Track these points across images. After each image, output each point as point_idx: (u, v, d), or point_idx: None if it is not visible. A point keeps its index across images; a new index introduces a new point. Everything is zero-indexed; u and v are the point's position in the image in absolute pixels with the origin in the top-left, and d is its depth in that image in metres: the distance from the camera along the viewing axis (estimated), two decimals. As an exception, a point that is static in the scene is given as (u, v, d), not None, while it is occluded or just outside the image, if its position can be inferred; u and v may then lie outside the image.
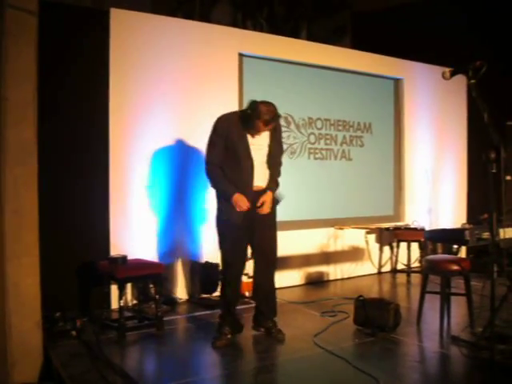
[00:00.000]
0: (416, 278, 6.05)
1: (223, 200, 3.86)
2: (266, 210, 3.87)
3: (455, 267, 4.12)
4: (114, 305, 4.58)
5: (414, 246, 6.43)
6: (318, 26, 8.52)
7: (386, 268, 6.74)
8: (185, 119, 5.23)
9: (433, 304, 4.37)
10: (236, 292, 4.01)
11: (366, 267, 6.57)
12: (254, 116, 3.70)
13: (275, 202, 3.98)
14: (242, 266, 4.06)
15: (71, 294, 4.51)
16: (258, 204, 3.85)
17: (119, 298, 3.99)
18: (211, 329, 4.08)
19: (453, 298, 4.36)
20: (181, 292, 5.18)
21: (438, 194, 7.23)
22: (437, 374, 3.45)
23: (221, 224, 3.92)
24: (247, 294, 5.07)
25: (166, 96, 5.13)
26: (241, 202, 3.75)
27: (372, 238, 6.65)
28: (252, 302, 5.02)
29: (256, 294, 4.11)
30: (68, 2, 4.83)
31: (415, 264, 6.47)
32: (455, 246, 6.12)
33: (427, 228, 6.29)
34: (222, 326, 3.93)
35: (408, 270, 6.37)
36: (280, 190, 4.03)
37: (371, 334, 3.99)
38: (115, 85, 4.82)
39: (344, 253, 6.36)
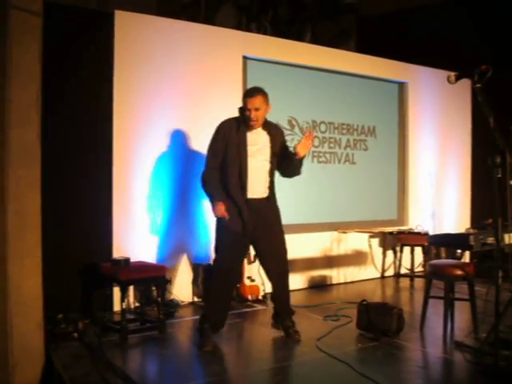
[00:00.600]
0: (419, 283, 6.03)
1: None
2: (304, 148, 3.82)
3: (459, 272, 4.10)
4: (117, 307, 4.57)
5: (418, 250, 6.40)
6: (322, 29, 8.51)
7: (390, 272, 6.71)
8: (188, 121, 5.22)
9: (436, 309, 4.35)
10: (225, 298, 3.98)
11: (369, 271, 6.55)
12: (242, 101, 3.87)
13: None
14: (237, 273, 4.20)
15: (73, 295, 4.50)
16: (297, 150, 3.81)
17: (121, 300, 3.97)
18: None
19: (456, 303, 4.33)
20: (183, 295, 5.17)
21: (441, 199, 7.20)
22: (440, 379, 3.43)
23: (220, 230, 3.96)
24: (250, 297, 5.05)
25: (170, 98, 5.13)
26: (218, 212, 3.84)
27: (375, 242, 6.63)
28: (255, 305, 5.03)
29: (272, 296, 4.20)
30: (73, 3, 4.84)
31: (419, 268, 6.45)
32: (459, 251, 6.10)
33: (431, 232, 6.27)
34: (205, 331, 3.89)
35: (411, 275, 6.34)
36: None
37: (374, 338, 3.97)
38: (119, 86, 4.83)
39: (347, 257, 6.34)
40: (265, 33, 7.77)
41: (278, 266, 4.04)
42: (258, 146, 3.91)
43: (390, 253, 6.71)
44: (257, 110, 3.84)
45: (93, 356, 3.61)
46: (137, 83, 4.94)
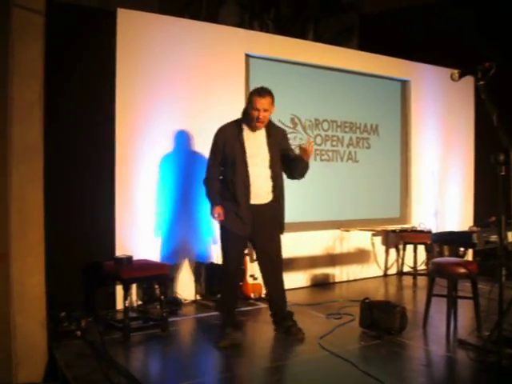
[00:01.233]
0: (422, 281, 6.02)
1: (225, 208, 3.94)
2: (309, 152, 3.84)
3: (462, 270, 4.09)
4: (119, 305, 4.58)
5: (421, 248, 6.40)
6: (324, 27, 8.50)
7: (392, 270, 6.70)
8: (191, 119, 5.22)
9: (439, 307, 4.34)
10: (234, 295, 4.07)
11: (371, 269, 6.54)
12: (250, 100, 3.86)
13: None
14: (240, 272, 4.29)
15: (76, 293, 4.49)
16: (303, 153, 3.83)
17: (124, 298, 3.98)
18: (216, 330, 4.06)
19: (460, 302, 4.33)
20: (186, 293, 5.17)
21: (444, 197, 7.19)
22: (443, 377, 3.43)
23: (222, 233, 4.01)
24: (252, 295, 5.05)
25: (173, 96, 5.12)
26: (214, 213, 3.92)
27: (378, 240, 6.62)
28: (257, 303, 5.03)
29: (268, 302, 4.16)
30: (75, 1, 4.83)
31: (422, 267, 6.44)
32: (462, 249, 6.09)
33: (434, 230, 6.26)
34: (224, 327, 3.94)
35: (414, 273, 6.34)
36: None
37: (377, 336, 3.96)
38: (122, 84, 4.82)
39: (350, 255, 6.34)
40: (267, 31, 7.77)
41: (270, 263, 4.01)
42: (257, 152, 3.90)
43: (392, 251, 6.70)
44: (265, 111, 3.83)
45: (96, 354, 3.61)
46: (139, 81, 4.93)
